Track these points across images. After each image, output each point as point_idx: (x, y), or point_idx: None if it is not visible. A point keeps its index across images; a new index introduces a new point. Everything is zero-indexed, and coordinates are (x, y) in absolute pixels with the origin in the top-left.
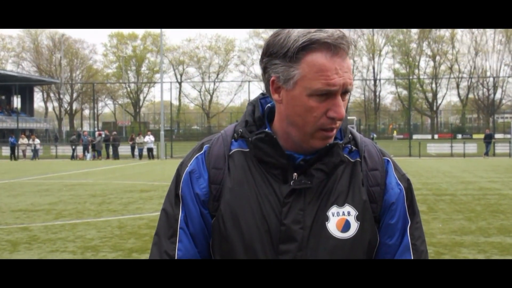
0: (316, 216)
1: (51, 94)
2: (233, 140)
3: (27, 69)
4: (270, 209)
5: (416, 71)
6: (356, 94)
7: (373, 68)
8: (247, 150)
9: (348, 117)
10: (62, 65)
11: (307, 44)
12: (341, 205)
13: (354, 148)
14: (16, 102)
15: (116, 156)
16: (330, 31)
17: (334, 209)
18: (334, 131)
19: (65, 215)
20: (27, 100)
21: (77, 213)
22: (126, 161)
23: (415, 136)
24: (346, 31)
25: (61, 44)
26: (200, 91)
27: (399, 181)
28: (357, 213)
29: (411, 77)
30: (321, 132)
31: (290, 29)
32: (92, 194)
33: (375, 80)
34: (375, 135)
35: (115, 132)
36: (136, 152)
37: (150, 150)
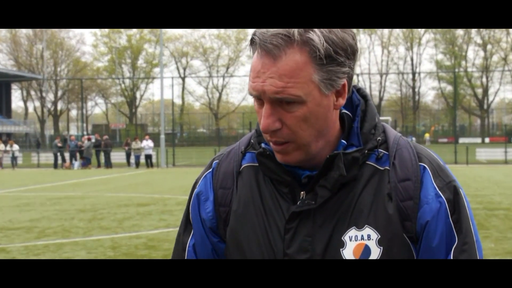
0: (329, 242)
1: (32, 92)
2: (247, 152)
3: (3, 62)
4: (277, 235)
5: (463, 62)
6: (391, 91)
7: (411, 60)
8: (258, 164)
9: (382, 118)
10: (44, 58)
11: (251, 40)
12: (360, 227)
13: (384, 152)
14: None
15: (108, 164)
16: (266, 30)
17: (352, 232)
18: (281, 146)
19: (49, 234)
20: (3, 99)
21: (63, 232)
22: (121, 170)
23: (461, 140)
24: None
25: (43, 33)
26: (207, 88)
27: (440, 192)
28: (379, 236)
29: (457, 70)
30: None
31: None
32: (81, 209)
33: (413, 74)
34: (413, 139)
35: (106, 137)
36: (132, 160)
37: (148, 157)
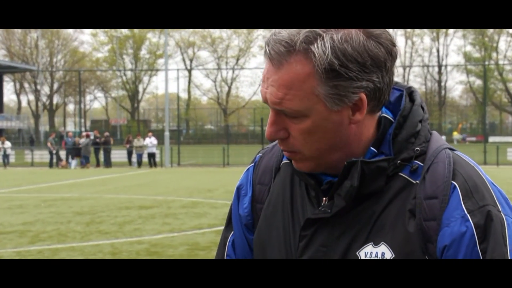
0: (344, 256)
1: (26, 85)
2: None
3: None
4: (294, 241)
5: (494, 54)
6: (415, 85)
7: (437, 51)
8: None
9: None
10: (39, 48)
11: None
12: (377, 243)
13: (419, 164)
14: None
15: (108, 163)
16: (278, 32)
17: (368, 248)
18: (289, 154)
19: (43, 238)
20: None
21: (58, 236)
22: (121, 170)
23: (491, 139)
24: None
25: None
26: (215, 81)
27: (468, 215)
28: (393, 255)
29: (487, 63)
30: None
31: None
32: (78, 211)
33: (439, 67)
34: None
35: (107, 133)
36: (134, 159)
37: (151, 155)
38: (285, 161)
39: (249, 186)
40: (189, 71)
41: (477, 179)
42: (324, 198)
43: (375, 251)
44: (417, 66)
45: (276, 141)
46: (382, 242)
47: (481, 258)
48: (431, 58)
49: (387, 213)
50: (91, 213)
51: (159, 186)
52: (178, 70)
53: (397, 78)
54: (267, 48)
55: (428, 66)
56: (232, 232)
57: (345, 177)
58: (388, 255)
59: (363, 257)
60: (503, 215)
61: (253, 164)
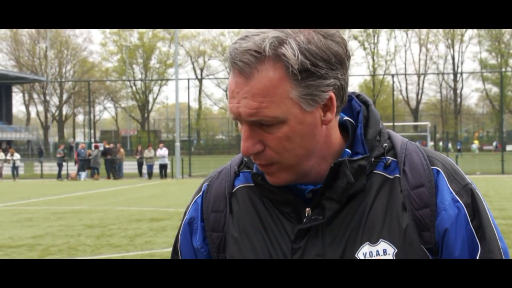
0: None
1: (35, 96)
2: (240, 172)
3: (3, 63)
4: (283, 258)
5: (511, 61)
6: (430, 93)
7: (453, 58)
8: (253, 184)
9: (420, 123)
10: (48, 58)
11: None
12: (374, 242)
13: (392, 159)
14: None
15: (114, 175)
16: (244, 41)
17: (365, 249)
18: (266, 167)
19: (53, 252)
20: (3, 104)
21: (68, 249)
22: (132, 181)
23: (509, 148)
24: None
25: (47, 31)
26: (226, 90)
27: (457, 197)
28: (396, 250)
29: (503, 70)
30: None
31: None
32: (88, 224)
33: (455, 74)
34: (449, 145)
35: (112, 145)
36: (145, 170)
37: (162, 167)
38: (240, 185)
39: (199, 218)
40: (200, 80)
41: (451, 162)
42: (307, 209)
43: (375, 249)
44: (432, 74)
45: (221, 168)
46: (380, 239)
47: (475, 234)
48: (446, 66)
49: (375, 211)
50: (102, 225)
51: (170, 198)
52: (188, 79)
53: (411, 86)
54: (233, 61)
55: (443, 74)
56: None
57: (334, 178)
58: (391, 250)
59: (362, 258)
60: (476, 189)
61: (200, 194)
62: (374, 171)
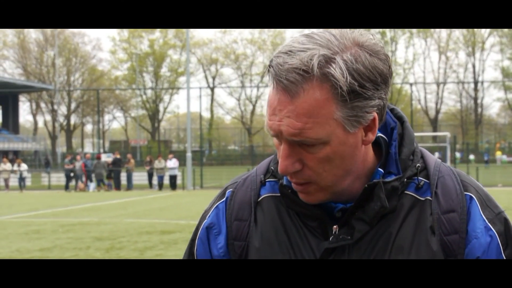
0: None
1: (42, 105)
2: (266, 181)
3: (10, 71)
4: None
5: None
6: (450, 102)
7: (473, 67)
8: (280, 195)
9: (439, 133)
10: (56, 66)
11: (268, 69)
12: None
13: (424, 181)
14: None
15: (118, 186)
16: (289, 56)
17: None
18: (302, 186)
19: None
20: (10, 113)
21: None
22: (142, 193)
23: None
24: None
25: (55, 38)
26: (239, 100)
27: (490, 225)
28: None
29: None
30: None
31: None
32: (97, 236)
33: (475, 83)
34: (472, 157)
35: (117, 156)
36: (155, 181)
37: (173, 178)
38: (266, 194)
39: (222, 224)
40: (212, 89)
41: (483, 189)
42: (335, 226)
43: None
44: (452, 83)
45: (246, 175)
46: None
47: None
48: (466, 74)
49: (403, 233)
50: (111, 238)
51: (181, 210)
52: (200, 88)
53: (430, 96)
54: (278, 78)
55: (463, 83)
56: None
57: (367, 200)
58: None
59: None
60: (507, 216)
61: (223, 200)
62: (405, 192)
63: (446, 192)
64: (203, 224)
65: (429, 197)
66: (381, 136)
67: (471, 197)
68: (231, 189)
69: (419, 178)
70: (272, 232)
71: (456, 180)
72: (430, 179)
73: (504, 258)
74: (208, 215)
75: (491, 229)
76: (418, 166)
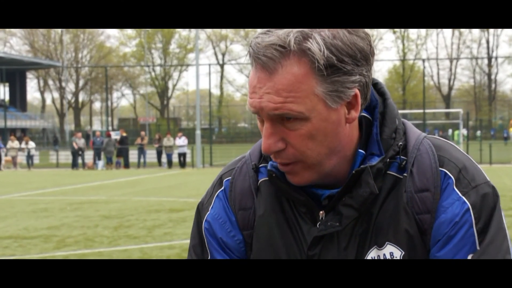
0: None
1: (50, 82)
2: (261, 166)
3: (17, 48)
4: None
5: None
6: (463, 78)
7: (487, 42)
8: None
9: (452, 110)
10: (63, 43)
11: (248, 51)
12: (381, 245)
13: (405, 159)
14: (3, 92)
15: (127, 164)
16: (266, 35)
17: (373, 253)
18: (288, 166)
19: (69, 243)
20: (18, 90)
21: (85, 241)
22: (151, 171)
23: None
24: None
25: None
26: (249, 76)
27: (463, 197)
28: (403, 252)
29: None
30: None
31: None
32: (106, 215)
33: (489, 59)
34: (479, 133)
35: (123, 133)
36: (164, 159)
37: (182, 155)
38: (262, 179)
39: (230, 213)
40: (222, 66)
41: (465, 161)
42: (321, 212)
43: (382, 253)
44: (465, 59)
45: (241, 162)
46: (386, 243)
47: (476, 239)
48: (480, 50)
49: (383, 213)
50: (119, 216)
51: (190, 188)
52: (209, 65)
53: (443, 72)
54: (256, 56)
55: (477, 58)
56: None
57: (355, 185)
58: (398, 253)
59: None
60: (491, 191)
61: (222, 190)
62: (388, 172)
63: (421, 170)
64: (205, 216)
65: (405, 174)
66: (364, 116)
67: (445, 173)
68: (228, 178)
69: (402, 157)
70: (272, 216)
71: (433, 158)
72: (407, 157)
73: (475, 232)
74: (210, 206)
75: (465, 201)
76: (400, 144)
